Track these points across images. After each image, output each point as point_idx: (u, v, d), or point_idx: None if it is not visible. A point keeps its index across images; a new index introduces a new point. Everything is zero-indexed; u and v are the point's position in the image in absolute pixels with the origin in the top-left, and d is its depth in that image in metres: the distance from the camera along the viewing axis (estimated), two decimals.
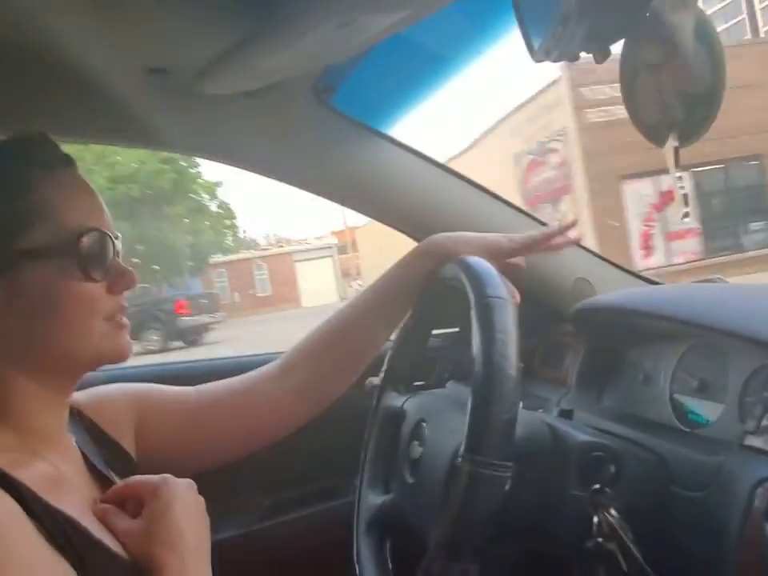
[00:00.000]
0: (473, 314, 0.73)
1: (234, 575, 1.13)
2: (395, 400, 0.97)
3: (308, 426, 0.97)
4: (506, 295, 0.74)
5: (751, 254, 13.32)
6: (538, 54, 0.56)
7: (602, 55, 0.49)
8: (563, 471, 0.75)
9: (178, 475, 0.88)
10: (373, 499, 0.94)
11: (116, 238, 0.71)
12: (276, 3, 0.69)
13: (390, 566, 0.89)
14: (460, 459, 0.67)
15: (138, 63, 0.89)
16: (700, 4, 0.52)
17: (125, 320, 0.72)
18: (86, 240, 0.67)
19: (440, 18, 0.82)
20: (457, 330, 1.39)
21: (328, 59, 0.81)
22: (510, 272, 0.91)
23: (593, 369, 1.08)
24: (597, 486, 0.74)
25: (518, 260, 0.95)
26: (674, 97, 0.51)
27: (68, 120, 1.02)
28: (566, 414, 0.91)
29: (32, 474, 0.63)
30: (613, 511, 0.72)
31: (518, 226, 1.20)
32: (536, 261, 1.08)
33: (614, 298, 1.10)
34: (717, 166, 13.30)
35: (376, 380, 1.32)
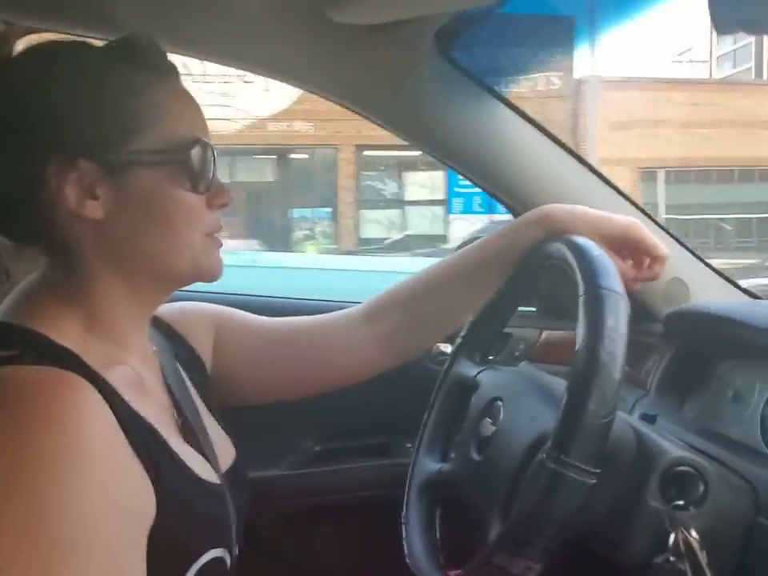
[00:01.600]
0: (581, 303, 0.68)
1: (274, 512, 1.14)
2: (469, 369, 0.93)
3: (368, 381, 0.95)
4: (620, 289, 0.68)
5: None
6: (726, 25, 0.50)
7: None
8: (644, 480, 0.71)
9: (245, 400, 0.89)
10: (429, 465, 0.92)
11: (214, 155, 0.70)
12: None
13: (438, 535, 0.87)
14: (544, 455, 0.63)
15: None
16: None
17: (220, 238, 0.71)
18: (195, 150, 0.66)
19: None
20: (533, 309, 1.34)
21: (465, 2, 0.75)
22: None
23: (678, 376, 1.02)
24: (680, 502, 0.69)
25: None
26: None
27: (181, 33, 0.99)
28: (649, 419, 0.86)
29: (118, 377, 0.62)
30: (693, 531, 0.68)
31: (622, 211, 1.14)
32: None
33: (716, 306, 1.03)
34: None
35: (444, 347, 1.30)
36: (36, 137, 0.61)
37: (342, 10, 0.79)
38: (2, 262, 0.69)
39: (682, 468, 0.71)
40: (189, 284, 0.74)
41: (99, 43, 0.73)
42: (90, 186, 0.62)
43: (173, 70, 0.69)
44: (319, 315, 0.92)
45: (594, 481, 0.62)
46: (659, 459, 0.71)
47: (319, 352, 0.90)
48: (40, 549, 0.49)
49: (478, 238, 0.93)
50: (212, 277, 0.71)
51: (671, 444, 0.73)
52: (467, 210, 12.12)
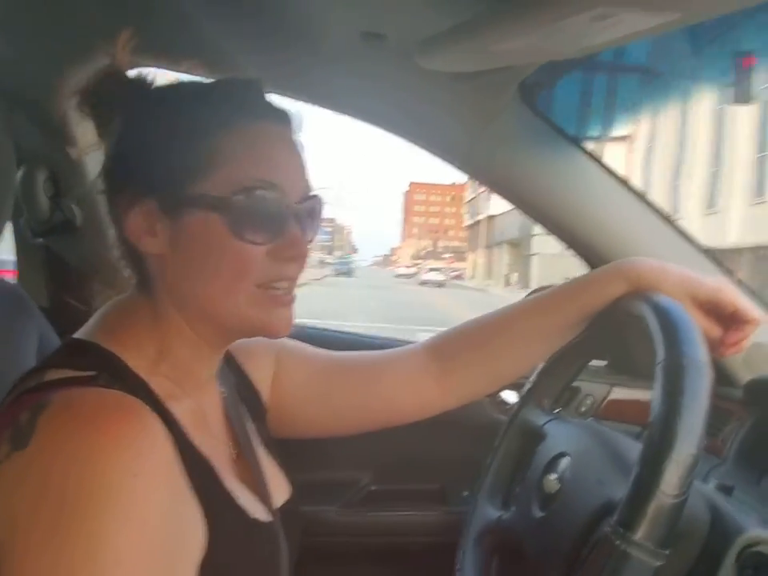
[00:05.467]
0: (659, 370, 0.64)
1: (325, 549, 1.13)
2: (537, 417, 0.91)
3: (429, 426, 0.93)
4: (705, 359, 0.64)
5: None
6: None
7: None
8: (719, 557, 0.67)
9: (299, 432, 0.87)
10: (489, 511, 0.90)
11: (298, 202, 0.65)
12: None
13: None
14: (609, 529, 0.59)
15: (356, 26, 0.87)
16: None
17: (286, 292, 0.66)
18: (241, 197, 0.61)
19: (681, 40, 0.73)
20: (604, 363, 1.30)
21: (560, 52, 0.74)
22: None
23: (758, 446, 0.97)
24: None
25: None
26: None
27: (271, 72, 1.02)
28: (726, 490, 0.81)
29: (182, 409, 0.63)
30: None
31: (703, 270, 1.10)
32: None
33: None
34: None
35: (507, 395, 1.27)
36: (113, 169, 0.65)
37: (430, 57, 0.80)
38: (87, 281, 0.71)
39: (761, 548, 0.66)
40: (243, 336, 0.72)
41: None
42: (151, 222, 0.63)
43: (270, 112, 0.66)
44: (379, 351, 0.90)
45: (662, 563, 0.58)
46: (736, 536, 0.67)
47: (378, 387, 0.87)
48: (94, 572, 0.49)
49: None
50: (266, 333, 0.66)
51: (750, 520, 0.69)
52: None
